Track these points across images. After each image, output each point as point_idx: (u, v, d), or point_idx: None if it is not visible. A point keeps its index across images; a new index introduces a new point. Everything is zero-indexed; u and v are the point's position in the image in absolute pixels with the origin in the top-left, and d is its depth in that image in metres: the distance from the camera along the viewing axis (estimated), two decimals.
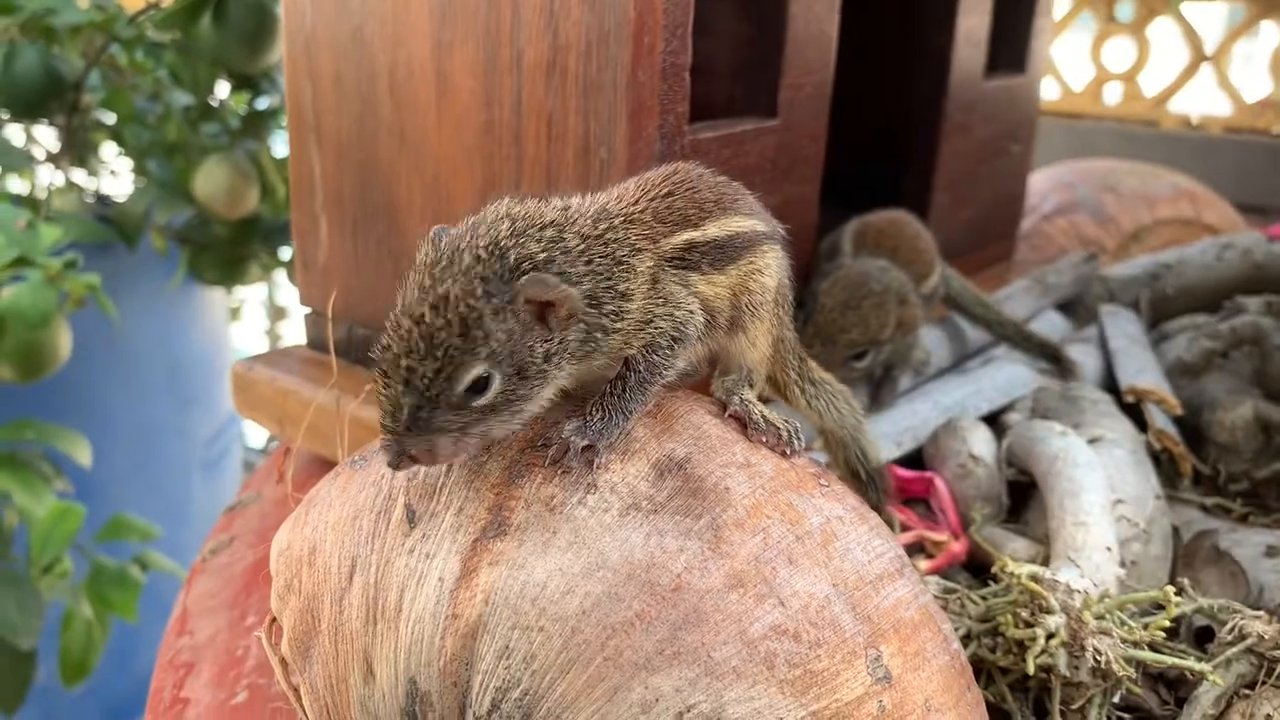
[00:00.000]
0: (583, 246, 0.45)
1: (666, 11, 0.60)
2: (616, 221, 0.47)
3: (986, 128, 1.02)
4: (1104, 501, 0.59)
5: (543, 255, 0.43)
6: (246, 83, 1.40)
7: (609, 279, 0.45)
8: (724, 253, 0.49)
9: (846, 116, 0.83)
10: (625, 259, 0.46)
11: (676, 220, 0.48)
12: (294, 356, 0.79)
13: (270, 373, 0.76)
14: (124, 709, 1.70)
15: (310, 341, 0.81)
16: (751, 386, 0.51)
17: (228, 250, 1.52)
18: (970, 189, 1.03)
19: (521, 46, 0.63)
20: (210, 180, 1.38)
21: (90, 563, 1.33)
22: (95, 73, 1.34)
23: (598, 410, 0.44)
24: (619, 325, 0.45)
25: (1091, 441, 0.69)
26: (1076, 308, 1.04)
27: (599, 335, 0.45)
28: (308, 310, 0.81)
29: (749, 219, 0.51)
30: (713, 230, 0.49)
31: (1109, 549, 0.56)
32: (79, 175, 1.49)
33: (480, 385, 0.41)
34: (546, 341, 0.43)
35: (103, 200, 1.56)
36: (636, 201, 0.48)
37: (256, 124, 1.44)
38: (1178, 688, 0.56)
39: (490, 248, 0.42)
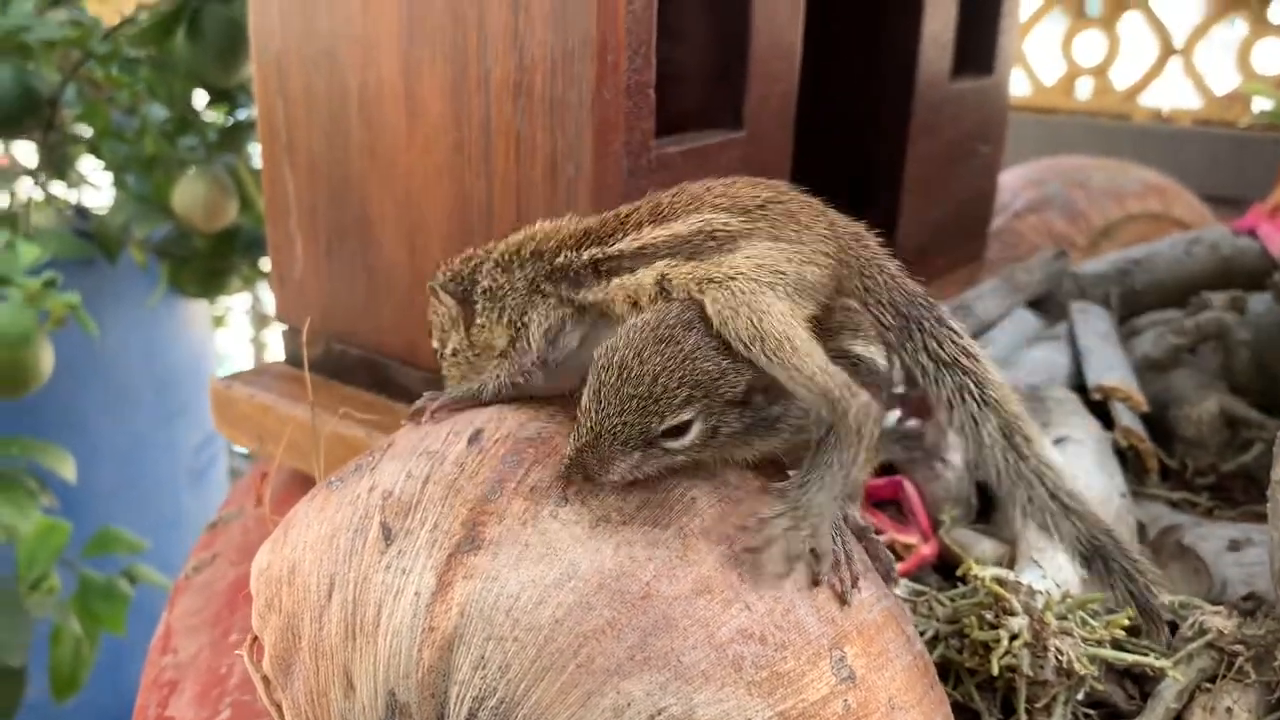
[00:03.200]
0: None
1: (629, 30, 0.61)
2: None
3: (955, 129, 1.03)
4: None
5: None
6: (223, 96, 1.40)
7: None
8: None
9: (812, 121, 0.84)
10: None
11: None
12: (272, 373, 0.80)
13: (248, 390, 0.77)
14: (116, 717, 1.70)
15: (289, 357, 0.82)
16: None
17: (208, 263, 1.52)
18: (940, 191, 1.04)
19: (489, 66, 0.64)
20: (188, 194, 1.39)
21: (78, 577, 1.34)
22: (72, 88, 1.35)
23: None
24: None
25: (1058, 441, 0.70)
26: (1048, 305, 1.06)
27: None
28: (285, 327, 0.82)
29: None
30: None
31: None
32: (58, 188, 1.50)
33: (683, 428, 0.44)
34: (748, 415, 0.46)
35: (82, 214, 1.57)
36: None
37: (234, 137, 1.44)
38: (1143, 683, 0.57)
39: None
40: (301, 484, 0.75)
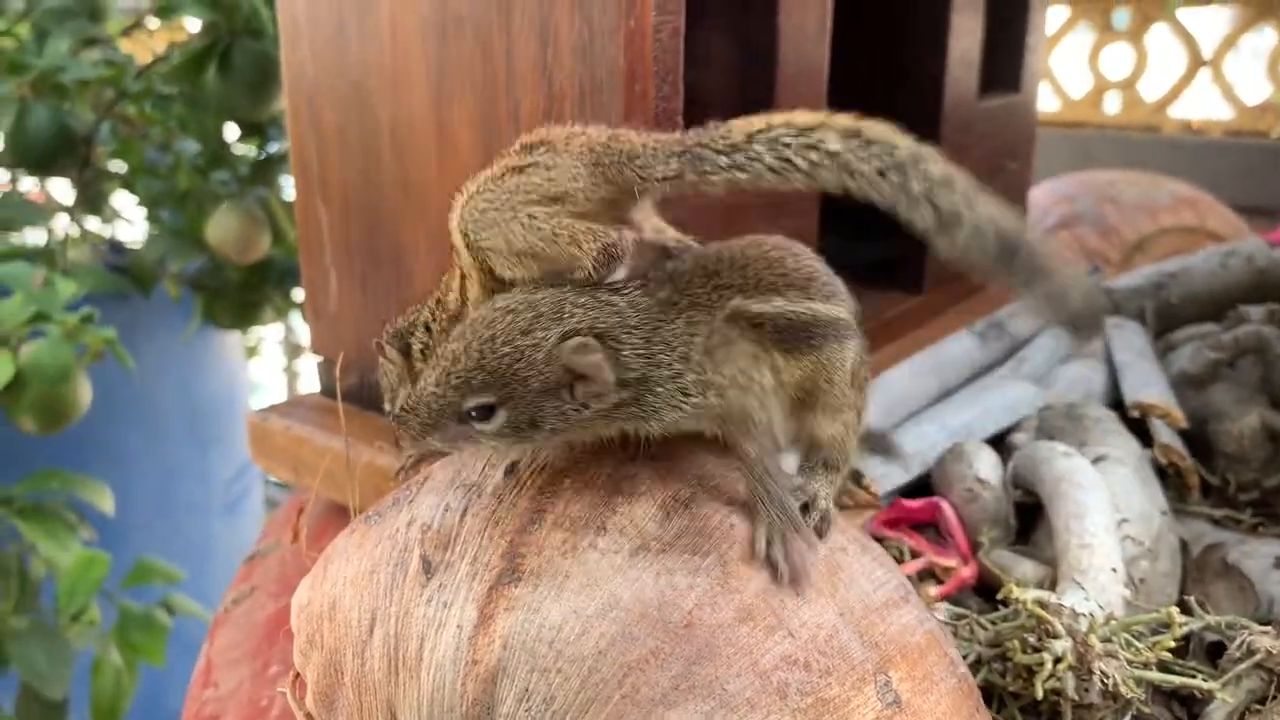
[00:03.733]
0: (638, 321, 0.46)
1: (657, 59, 0.61)
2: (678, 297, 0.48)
3: (983, 148, 1.03)
4: (1108, 522, 0.60)
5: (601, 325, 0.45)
6: (254, 130, 1.42)
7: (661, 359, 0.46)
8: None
9: None
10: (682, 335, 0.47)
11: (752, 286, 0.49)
12: (307, 405, 0.81)
13: (284, 422, 0.78)
14: None
15: (323, 389, 0.83)
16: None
17: (241, 295, 1.54)
18: None
19: (518, 98, 0.64)
20: (222, 227, 1.41)
21: (117, 609, 1.35)
22: (106, 125, 1.37)
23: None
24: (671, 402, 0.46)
25: (1096, 460, 0.70)
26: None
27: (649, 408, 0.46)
28: (320, 359, 0.82)
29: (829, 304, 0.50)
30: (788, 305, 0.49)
31: (1114, 569, 0.57)
32: (93, 223, 1.52)
33: (485, 411, 0.44)
34: (569, 405, 0.45)
35: (116, 248, 1.59)
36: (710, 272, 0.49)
37: (266, 170, 1.46)
38: (1191, 705, 0.56)
39: (556, 306, 0.45)
40: (337, 515, 0.76)
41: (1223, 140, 1.63)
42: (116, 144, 1.43)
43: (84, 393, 1.21)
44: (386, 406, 0.56)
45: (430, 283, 0.73)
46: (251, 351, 2.14)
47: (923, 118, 0.96)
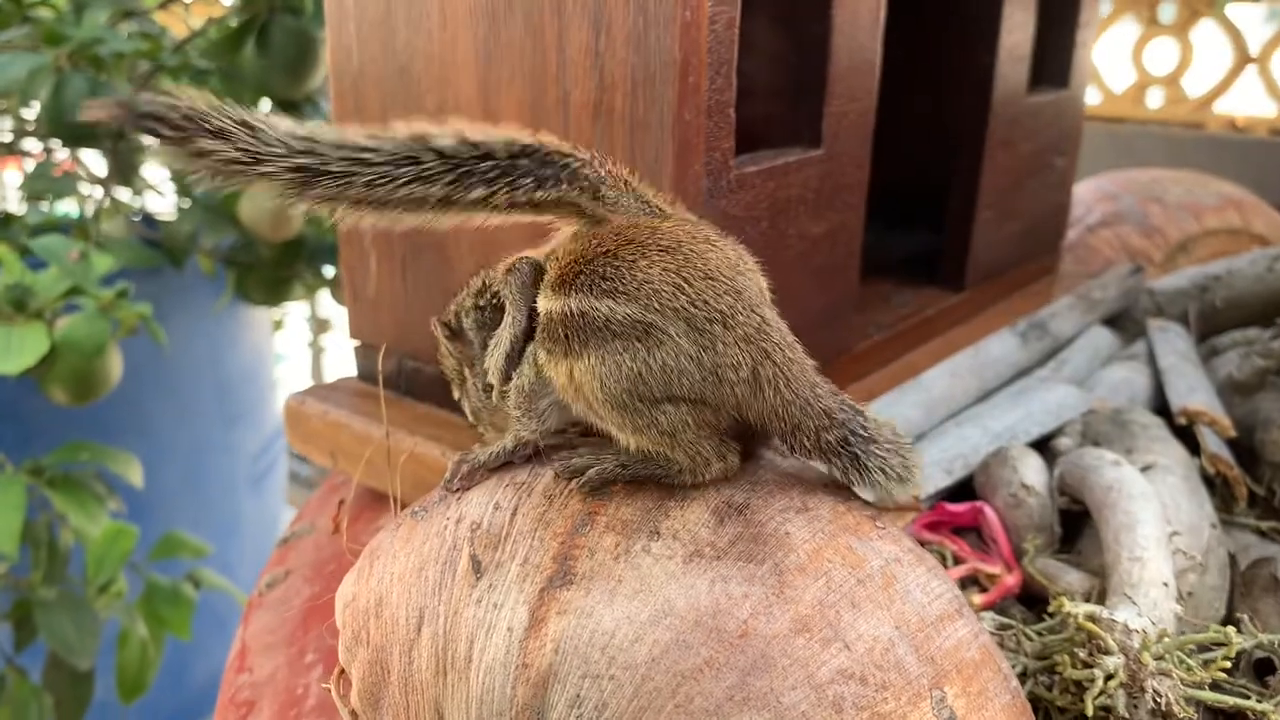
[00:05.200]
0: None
1: (711, 50, 0.60)
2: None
3: (1031, 143, 1.01)
4: (1160, 534, 0.59)
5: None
6: (291, 108, 1.42)
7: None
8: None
9: (888, 136, 0.83)
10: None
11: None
12: (345, 389, 0.80)
13: (322, 406, 0.77)
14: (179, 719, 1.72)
15: (361, 373, 0.82)
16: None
17: (273, 272, 1.54)
18: (1015, 205, 1.02)
19: (568, 87, 0.63)
20: (255, 204, 1.40)
21: (144, 581, 1.36)
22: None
23: None
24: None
25: (1145, 469, 0.69)
26: (1123, 321, 1.03)
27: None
28: (358, 343, 0.82)
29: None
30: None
31: (1165, 584, 0.56)
32: (124, 194, 1.52)
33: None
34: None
35: (149, 221, 1.59)
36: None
37: None
38: None
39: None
40: (374, 502, 0.75)
41: (1268, 139, 1.60)
42: None
43: (115, 366, 1.21)
44: (455, 394, 0.55)
45: (471, 271, 0.73)
46: (277, 325, 2.14)
47: (973, 112, 0.94)
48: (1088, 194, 1.23)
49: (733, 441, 0.47)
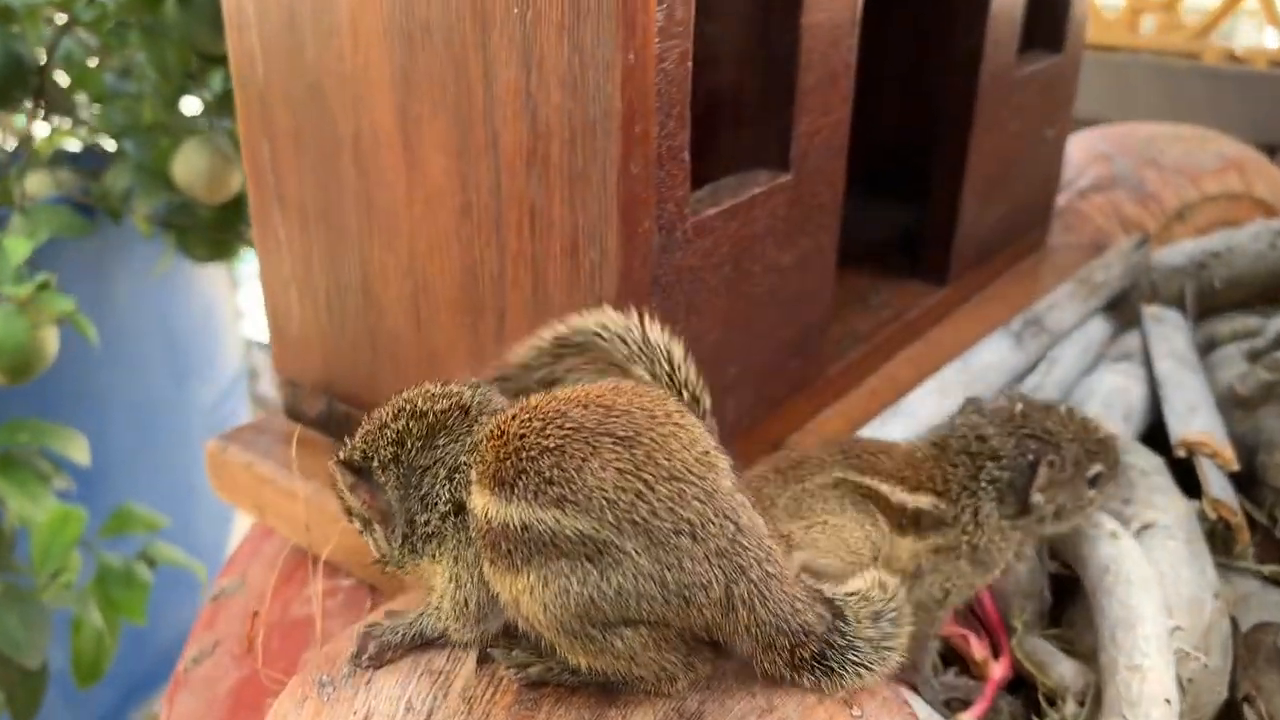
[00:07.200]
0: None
1: (661, 92, 0.52)
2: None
3: (1021, 120, 0.93)
4: (1162, 632, 0.53)
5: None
6: (218, 61, 1.31)
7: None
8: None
9: (864, 122, 0.74)
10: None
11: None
12: (271, 433, 0.73)
13: (246, 457, 0.70)
14: (142, 684, 1.69)
15: (288, 410, 0.75)
16: None
17: (214, 233, 1.45)
18: (1002, 185, 0.94)
19: (496, 128, 0.55)
20: (190, 165, 1.31)
21: (96, 563, 1.30)
22: (60, 55, 1.26)
23: None
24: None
25: (1143, 529, 0.63)
26: (1121, 306, 0.96)
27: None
28: (281, 379, 0.75)
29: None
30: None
31: (1168, 700, 0.50)
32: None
33: None
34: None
35: (80, 165, 1.48)
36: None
37: (231, 104, 1.35)
38: None
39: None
40: (304, 559, 0.69)
41: (1268, 72, 1.51)
42: (74, 74, 1.32)
43: (50, 342, 1.13)
44: (358, 531, 0.47)
45: (404, 321, 0.65)
46: (235, 286, 2.05)
47: (958, 93, 0.86)
48: (1079, 153, 1.14)
49: (703, 648, 0.41)
